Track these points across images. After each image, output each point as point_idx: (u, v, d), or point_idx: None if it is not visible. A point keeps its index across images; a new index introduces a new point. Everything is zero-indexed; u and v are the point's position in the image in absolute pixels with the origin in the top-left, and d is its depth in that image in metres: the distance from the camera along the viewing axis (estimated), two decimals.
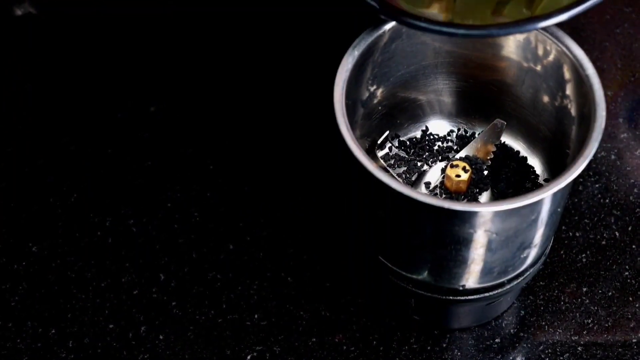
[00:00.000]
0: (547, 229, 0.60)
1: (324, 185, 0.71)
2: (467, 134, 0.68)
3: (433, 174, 0.65)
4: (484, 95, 0.65)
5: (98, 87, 0.77)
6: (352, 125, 0.59)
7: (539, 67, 0.62)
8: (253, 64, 0.78)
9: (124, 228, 0.70)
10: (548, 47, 0.60)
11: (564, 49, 0.59)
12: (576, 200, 0.72)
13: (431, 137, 0.68)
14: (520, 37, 0.61)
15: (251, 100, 0.76)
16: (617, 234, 0.70)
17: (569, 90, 0.61)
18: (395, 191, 0.55)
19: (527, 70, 0.62)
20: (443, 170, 0.65)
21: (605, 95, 0.73)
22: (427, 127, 0.68)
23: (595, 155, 0.73)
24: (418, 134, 0.68)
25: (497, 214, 0.55)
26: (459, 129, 0.68)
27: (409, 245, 0.60)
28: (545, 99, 0.63)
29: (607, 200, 0.72)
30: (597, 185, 0.73)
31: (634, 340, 0.66)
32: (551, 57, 0.60)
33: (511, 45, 0.62)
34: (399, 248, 0.61)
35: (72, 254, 0.69)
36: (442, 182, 0.64)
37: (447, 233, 0.57)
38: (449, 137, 0.68)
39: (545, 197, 0.55)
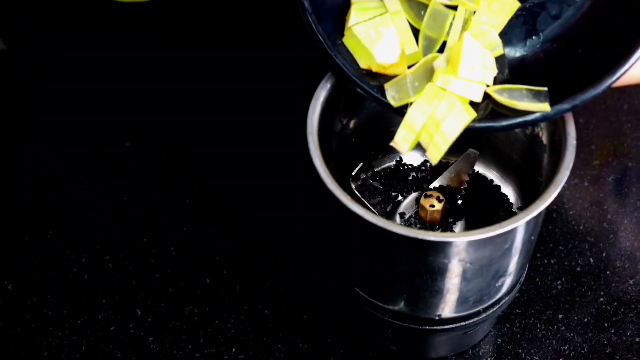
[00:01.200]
0: (522, 257, 0.59)
1: (299, 219, 0.70)
2: (441, 164, 0.66)
3: (407, 205, 0.64)
4: None
5: (72, 124, 0.75)
6: (325, 157, 0.58)
7: None
8: (228, 100, 0.77)
9: (100, 264, 0.68)
10: None
11: None
12: (550, 227, 0.71)
13: (405, 167, 0.67)
14: None
15: (226, 136, 0.75)
16: (591, 260, 0.70)
17: None
18: (370, 223, 0.54)
19: None
20: (417, 200, 0.64)
21: (577, 122, 0.73)
22: (401, 158, 0.67)
23: (567, 183, 0.73)
24: (392, 164, 0.67)
25: (471, 243, 0.55)
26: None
27: (384, 276, 0.59)
28: (517, 129, 0.62)
29: (580, 227, 0.71)
30: (570, 213, 0.72)
31: None
32: None
33: None
34: (375, 279, 0.60)
35: (48, 292, 0.67)
36: (416, 212, 0.63)
37: (422, 263, 0.56)
38: (422, 167, 0.67)
39: (518, 225, 0.54)
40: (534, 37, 0.57)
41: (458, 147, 0.64)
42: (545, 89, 0.55)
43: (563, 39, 0.56)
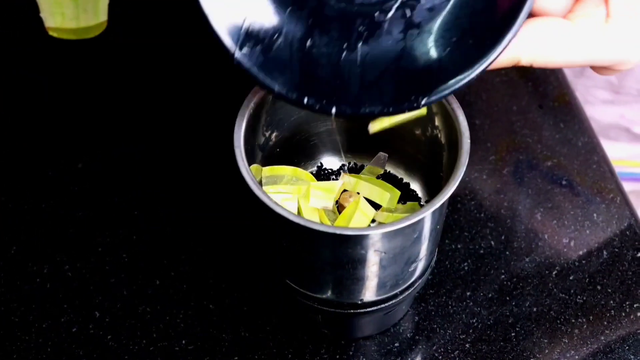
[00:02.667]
0: (430, 244, 0.61)
1: (234, 224, 0.71)
2: (357, 167, 0.69)
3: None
4: (368, 135, 0.65)
5: (28, 148, 0.76)
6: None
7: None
8: (167, 118, 0.78)
9: (61, 273, 0.69)
10: None
11: None
12: (456, 216, 0.72)
13: (325, 172, 0.68)
14: None
15: (167, 152, 0.76)
16: (492, 243, 0.71)
17: (437, 121, 0.61)
18: (294, 223, 0.55)
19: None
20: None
21: (473, 124, 0.76)
22: (321, 163, 0.68)
23: (469, 177, 0.74)
24: (314, 169, 0.68)
25: (384, 235, 0.56)
26: (349, 163, 0.69)
27: (311, 268, 0.60)
28: (418, 131, 0.63)
29: (482, 215, 0.72)
30: (472, 202, 0.73)
31: (512, 334, 0.67)
32: None
33: None
34: (303, 272, 0.61)
35: (14, 301, 0.68)
36: (338, 207, 0.65)
37: (342, 255, 0.57)
38: (341, 171, 0.68)
39: (424, 216, 0.56)
40: (412, 29, 0.55)
41: (370, 151, 0.67)
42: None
43: (438, 29, 0.54)
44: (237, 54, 0.52)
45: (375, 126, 0.62)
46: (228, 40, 0.52)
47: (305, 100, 0.53)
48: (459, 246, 0.71)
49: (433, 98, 0.53)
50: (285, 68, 0.53)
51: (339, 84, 0.53)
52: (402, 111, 0.54)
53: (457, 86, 0.53)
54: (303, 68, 0.53)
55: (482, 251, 0.71)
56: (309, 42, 0.53)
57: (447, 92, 0.53)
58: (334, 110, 0.54)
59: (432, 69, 0.53)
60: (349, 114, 0.54)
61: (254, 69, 0.52)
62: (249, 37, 0.52)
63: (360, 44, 0.54)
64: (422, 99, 0.53)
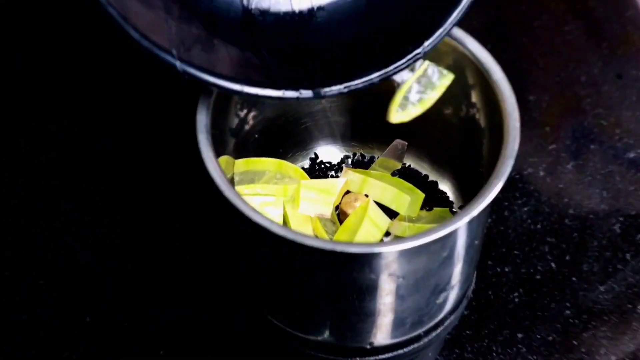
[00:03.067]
0: (466, 266, 0.60)
1: (204, 235, 0.72)
2: (365, 160, 0.69)
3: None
4: (379, 114, 0.65)
5: None
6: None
7: None
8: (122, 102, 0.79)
9: None
10: (445, 49, 0.61)
11: (465, 50, 0.60)
12: (502, 228, 0.72)
13: (322, 166, 0.68)
14: None
15: (124, 142, 0.77)
16: (553, 265, 0.71)
17: (474, 97, 0.61)
18: (277, 236, 0.54)
19: None
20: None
21: (525, 100, 0.76)
22: (316, 155, 0.69)
23: (519, 173, 0.74)
24: (306, 163, 0.68)
25: (402, 253, 0.55)
26: (354, 155, 0.69)
27: (301, 300, 0.59)
28: (449, 111, 0.64)
29: (538, 226, 0.72)
30: (525, 209, 0.73)
31: None
32: (451, 61, 0.61)
33: None
34: (292, 304, 0.60)
35: None
36: (338, 214, 0.65)
37: (344, 281, 0.56)
38: (343, 165, 0.68)
39: (457, 228, 0.55)
40: None
41: (382, 137, 0.67)
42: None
43: None
44: (179, 65, 0.56)
45: (398, 115, 0.62)
46: (165, 55, 0.55)
47: (282, 92, 0.57)
48: (506, 269, 0.70)
49: (437, 34, 0.57)
50: (240, 59, 0.57)
51: (313, 59, 0.58)
52: (403, 66, 0.57)
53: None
54: (261, 53, 0.58)
55: (538, 276, 0.70)
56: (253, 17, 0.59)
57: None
58: (324, 91, 0.57)
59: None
60: (344, 91, 0.57)
61: (204, 74, 0.56)
62: (182, 40, 0.57)
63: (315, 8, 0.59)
64: (425, 42, 0.57)
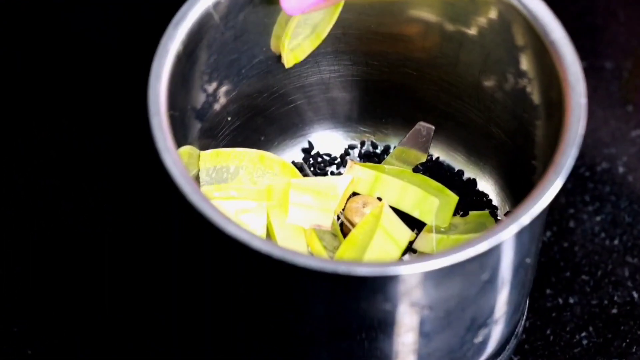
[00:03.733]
0: (514, 294, 0.62)
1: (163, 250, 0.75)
2: (377, 150, 0.71)
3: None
4: (396, 86, 0.68)
5: None
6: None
7: (474, 31, 0.65)
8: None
9: None
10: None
11: (513, 1, 0.62)
12: (566, 244, 0.74)
13: (319, 159, 0.71)
14: None
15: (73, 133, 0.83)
16: (635, 295, 0.73)
17: (525, 64, 0.63)
18: (260, 253, 0.56)
19: (459, 38, 0.65)
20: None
21: (600, 68, 0.78)
22: (310, 144, 0.71)
23: (592, 169, 0.76)
24: (297, 155, 0.71)
25: (428, 276, 0.57)
26: (362, 143, 0.71)
27: (292, 339, 0.62)
28: (491, 82, 0.65)
29: (616, 242, 0.74)
30: (598, 219, 0.75)
31: None
32: (494, 14, 0.63)
33: None
34: (277, 346, 0.63)
35: None
36: (341, 225, 0.67)
37: (350, 314, 0.59)
38: (347, 157, 0.71)
39: (501, 241, 0.57)
40: None
41: (401, 119, 0.70)
42: None
43: None
44: None
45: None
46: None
47: None
48: (570, 300, 0.72)
49: None
50: None
51: None
52: None
53: None
54: None
55: (615, 310, 0.72)
56: None
57: None
58: None
59: None
60: None
61: None
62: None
63: None
64: None
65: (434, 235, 0.66)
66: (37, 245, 0.78)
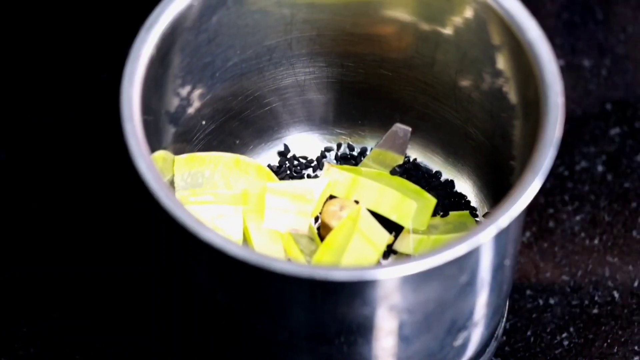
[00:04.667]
0: (494, 296, 0.62)
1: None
2: (354, 152, 0.71)
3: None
4: (372, 87, 0.68)
5: None
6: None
7: (450, 31, 0.65)
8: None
9: None
10: None
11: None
12: (545, 244, 0.74)
13: (295, 162, 0.71)
14: None
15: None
16: (615, 295, 0.72)
17: (501, 64, 0.63)
18: (236, 259, 0.56)
19: (435, 38, 0.66)
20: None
21: (578, 66, 0.77)
22: (286, 147, 0.71)
23: (570, 168, 0.76)
24: (273, 158, 0.71)
25: (406, 280, 0.57)
26: (339, 146, 0.71)
27: (269, 346, 0.62)
28: (468, 82, 0.66)
29: (596, 241, 0.74)
30: (577, 218, 0.75)
31: None
32: (469, 14, 0.63)
33: None
34: (253, 354, 0.63)
35: None
36: (318, 229, 0.68)
37: (328, 319, 0.59)
38: (324, 160, 0.71)
39: (480, 243, 0.57)
40: None
41: (378, 121, 0.70)
42: None
43: None
44: None
45: None
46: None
47: None
48: (551, 301, 0.72)
49: None
50: None
51: None
52: None
53: None
54: None
55: (595, 311, 0.72)
56: None
57: None
58: None
59: None
60: None
61: None
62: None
63: None
64: None
65: (412, 236, 0.66)
66: (35, 245, 0.77)
